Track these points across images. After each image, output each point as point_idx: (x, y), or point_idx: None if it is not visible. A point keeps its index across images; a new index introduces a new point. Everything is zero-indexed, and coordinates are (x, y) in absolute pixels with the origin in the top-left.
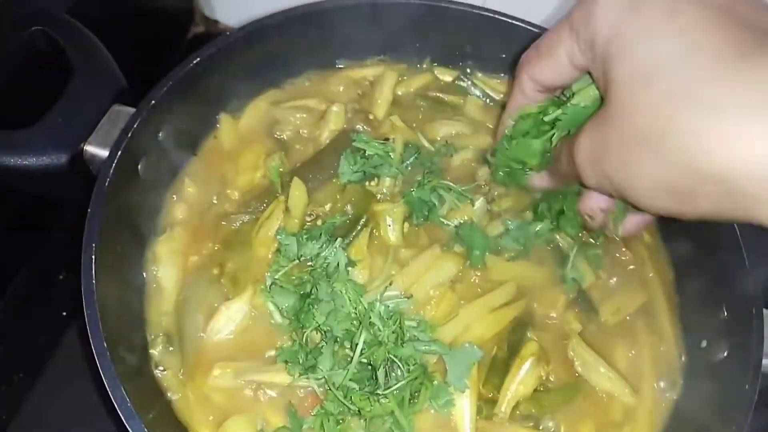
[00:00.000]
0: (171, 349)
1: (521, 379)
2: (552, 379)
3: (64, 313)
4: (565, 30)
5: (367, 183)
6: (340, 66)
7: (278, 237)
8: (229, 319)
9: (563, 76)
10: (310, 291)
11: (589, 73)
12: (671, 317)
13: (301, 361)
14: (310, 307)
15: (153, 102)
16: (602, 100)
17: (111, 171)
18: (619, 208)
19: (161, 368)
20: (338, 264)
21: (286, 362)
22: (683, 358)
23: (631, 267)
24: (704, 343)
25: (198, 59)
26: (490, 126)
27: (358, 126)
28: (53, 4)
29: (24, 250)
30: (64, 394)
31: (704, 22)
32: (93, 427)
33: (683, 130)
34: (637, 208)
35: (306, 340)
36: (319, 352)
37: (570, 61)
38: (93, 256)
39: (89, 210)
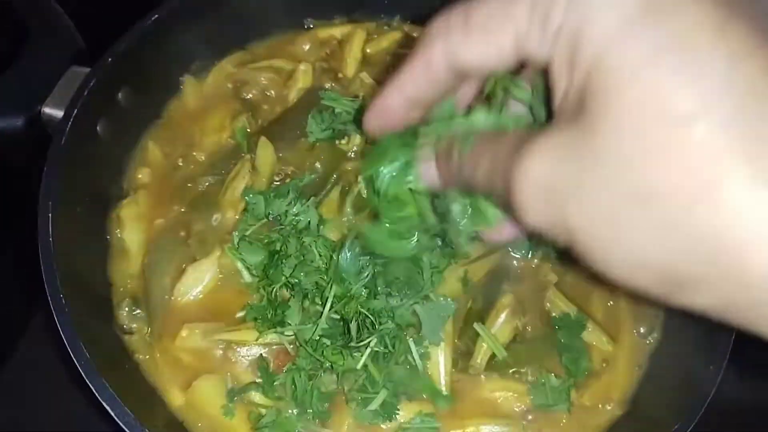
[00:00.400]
0: (137, 312)
1: (496, 331)
2: (529, 330)
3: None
4: (523, 3)
5: (337, 141)
6: (308, 26)
7: (245, 197)
8: (196, 280)
9: (494, 62)
10: (280, 248)
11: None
12: None
13: (269, 317)
14: (279, 262)
15: (110, 59)
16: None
17: (67, 129)
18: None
19: (128, 331)
20: (309, 222)
21: (255, 319)
22: (663, 305)
23: None
24: None
25: (156, 16)
26: None
27: (326, 84)
28: None
29: None
30: (31, 379)
31: (759, 48)
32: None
33: (720, 195)
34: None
35: (275, 295)
36: (287, 307)
37: (516, 46)
38: (50, 215)
39: (45, 168)
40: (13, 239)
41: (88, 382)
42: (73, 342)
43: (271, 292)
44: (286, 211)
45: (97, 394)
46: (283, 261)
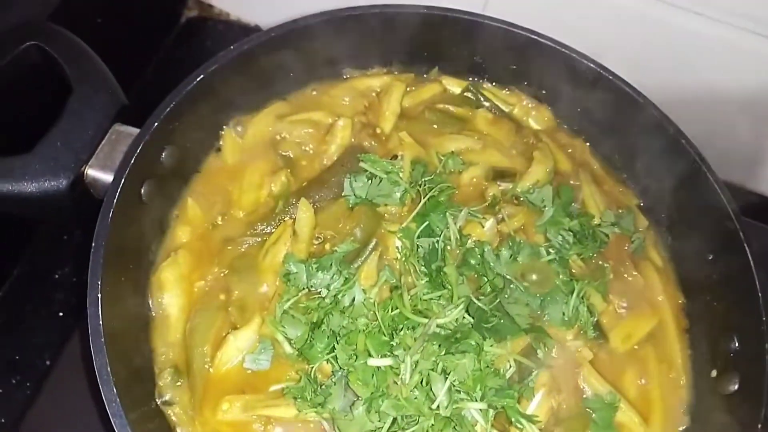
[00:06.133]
0: (179, 383)
1: (533, 411)
2: (564, 408)
3: (61, 314)
4: None
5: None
6: (346, 76)
7: (286, 266)
8: (237, 350)
9: None
10: (321, 322)
11: None
12: (681, 343)
13: (309, 398)
14: (318, 338)
15: (156, 123)
16: None
17: (115, 199)
18: None
19: (170, 404)
20: (353, 299)
21: (295, 398)
22: (693, 388)
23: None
24: (714, 373)
25: (201, 76)
26: (500, 140)
27: (365, 142)
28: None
29: (14, 250)
30: (68, 402)
31: None
32: None
33: None
34: None
35: (314, 375)
36: (327, 392)
37: None
38: (99, 295)
39: (93, 243)
40: (40, 258)
41: None
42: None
43: (310, 371)
44: (329, 285)
45: None
46: (323, 338)
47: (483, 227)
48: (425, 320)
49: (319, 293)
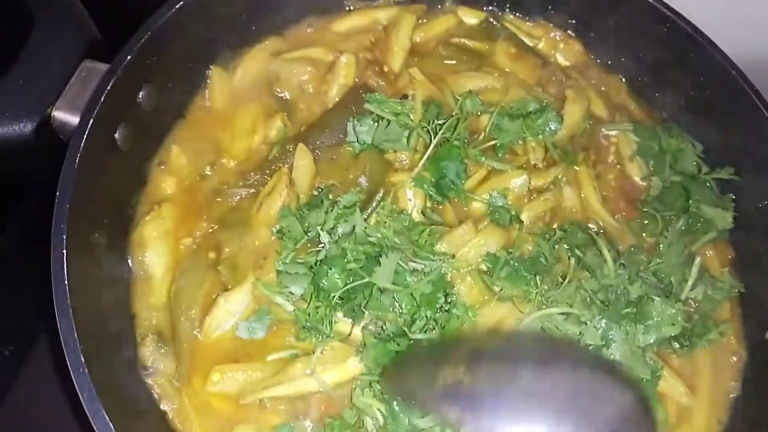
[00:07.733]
0: (163, 350)
1: None
2: None
3: None
4: None
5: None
6: (349, 8)
7: (281, 220)
8: (228, 314)
9: None
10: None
11: None
12: (730, 302)
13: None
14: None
15: (129, 57)
16: None
17: (83, 143)
18: None
19: (153, 374)
20: (354, 227)
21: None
22: (744, 353)
23: None
24: None
25: (181, 3)
26: (524, 78)
27: (371, 81)
28: None
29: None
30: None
31: None
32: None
33: None
34: None
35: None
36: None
37: None
38: (65, 251)
39: (57, 193)
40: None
41: None
42: (94, 410)
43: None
44: (325, 221)
45: None
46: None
47: (510, 184)
48: None
49: (318, 242)
